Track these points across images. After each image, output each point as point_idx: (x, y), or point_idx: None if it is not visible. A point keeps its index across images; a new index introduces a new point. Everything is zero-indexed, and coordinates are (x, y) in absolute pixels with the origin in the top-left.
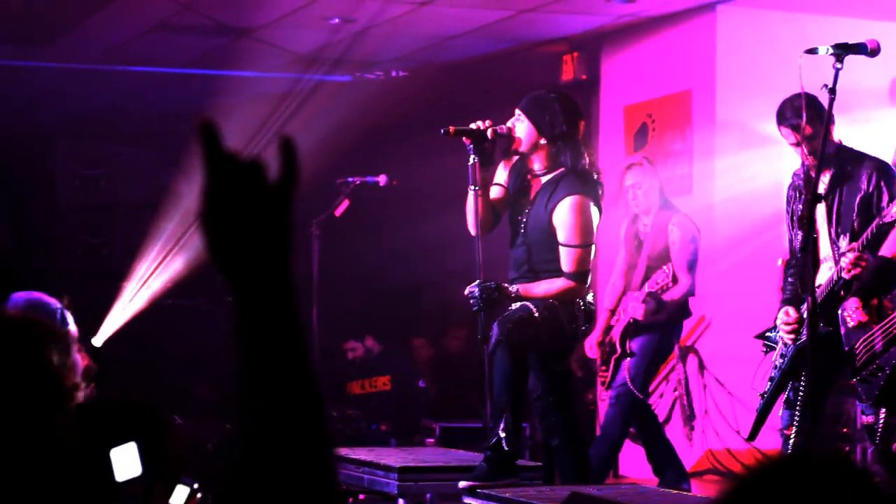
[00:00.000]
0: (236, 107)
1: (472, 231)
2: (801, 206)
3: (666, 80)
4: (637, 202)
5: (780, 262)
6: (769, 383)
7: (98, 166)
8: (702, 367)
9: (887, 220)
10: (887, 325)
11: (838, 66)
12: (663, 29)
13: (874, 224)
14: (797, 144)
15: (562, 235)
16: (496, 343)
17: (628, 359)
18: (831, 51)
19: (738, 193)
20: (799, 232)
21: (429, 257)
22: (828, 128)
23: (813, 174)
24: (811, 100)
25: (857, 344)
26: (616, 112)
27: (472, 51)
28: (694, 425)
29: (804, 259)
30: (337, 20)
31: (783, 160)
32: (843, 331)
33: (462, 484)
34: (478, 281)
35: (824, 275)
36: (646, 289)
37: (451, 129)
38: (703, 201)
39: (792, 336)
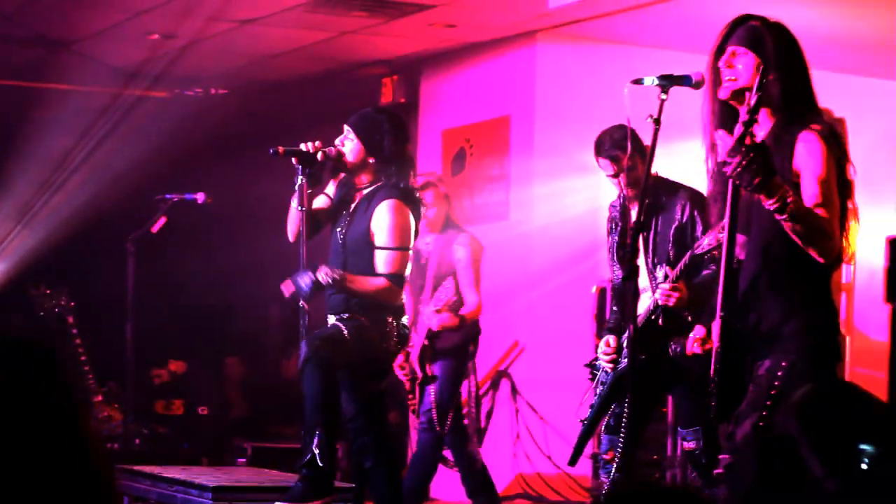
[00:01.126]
0: (53, 120)
1: (291, 239)
2: (617, 237)
3: (485, 106)
4: (426, 221)
5: (594, 289)
6: (590, 410)
7: None
8: (514, 391)
9: (699, 251)
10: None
11: (663, 97)
12: (483, 55)
13: (687, 255)
14: (615, 175)
15: (379, 238)
16: (305, 361)
17: (433, 385)
18: (657, 82)
19: (555, 220)
20: (616, 263)
21: (245, 276)
22: (650, 159)
23: (630, 205)
24: (631, 131)
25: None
26: (434, 136)
27: (293, 71)
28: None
29: (625, 287)
30: (157, 36)
31: (600, 189)
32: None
33: None
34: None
35: (644, 305)
36: (431, 306)
37: (280, 149)
38: (520, 227)
39: (611, 364)
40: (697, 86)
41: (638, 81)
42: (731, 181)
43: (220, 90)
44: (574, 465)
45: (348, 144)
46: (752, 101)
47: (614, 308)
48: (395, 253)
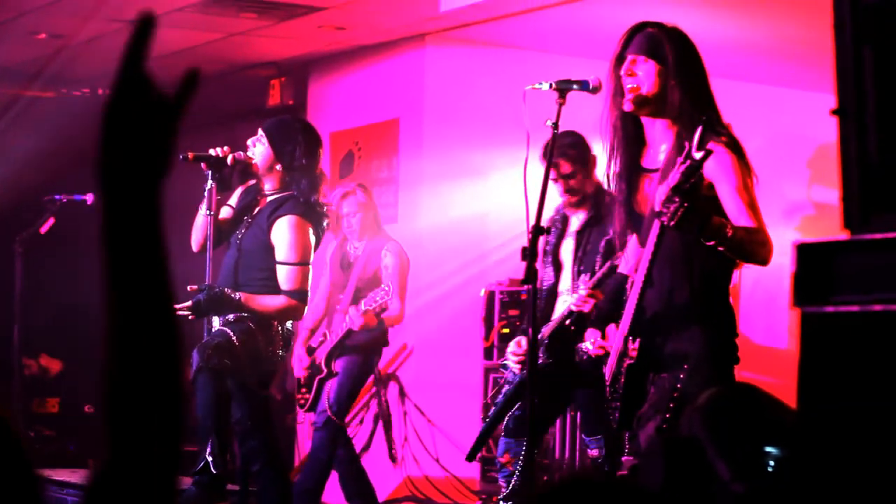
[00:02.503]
0: None
1: (195, 248)
2: (552, 241)
3: (374, 109)
4: (352, 230)
5: (483, 292)
6: (493, 408)
7: None
8: (402, 394)
9: (618, 262)
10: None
11: (560, 101)
12: (373, 57)
13: (607, 265)
14: (555, 181)
15: (280, 253)
16: (196, 370)
17: (331, 381)
18: (554, 86)
19: (444, 223)
20: (549, 266)
21: None
22: (587, 167)
23: (568, 212)
24: (575, 138)
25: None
26: (322, 139)
27: (181, 72)
28: (395, 454)
29: (531, 292)
30: (44, 35)
31: (489, 191)
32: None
33: None
34: (203, 285)
35: (560, 309)
36: (363, 306)
37: (190, 154)
38: (409, 230)
39: (520, 366)
40: (595, 90)
41: (535, 86)
42: (658, 222)
43: (107, 91)
44: (472, 460)
45: (259, 147)
46: (695, 153)
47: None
48: (297, 269)
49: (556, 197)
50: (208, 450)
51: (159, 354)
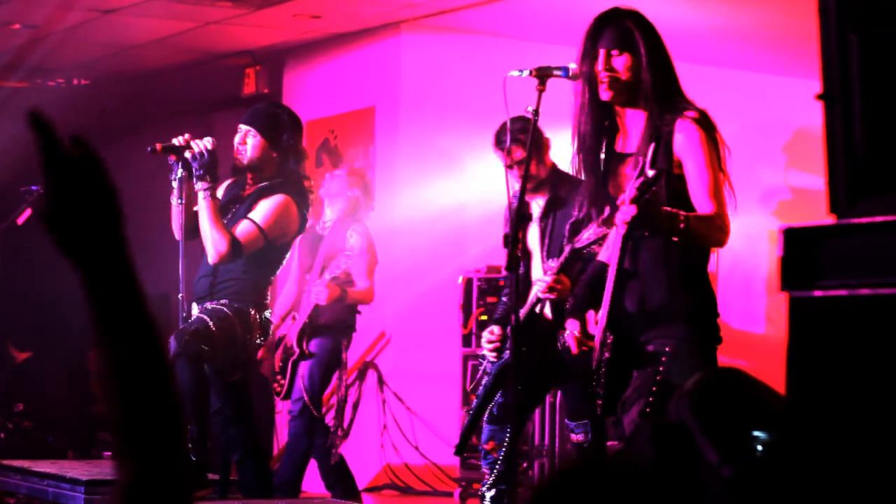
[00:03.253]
0: None
1: (178, 236)
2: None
3: (350, 97)
4: (335, 207)
5: (460, 279)
6: (476, 400)
7: None
8: (381, 382)
9: (578, 245)
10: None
11: (541, 88)
12: (348, 46)
13: (568, 249)
14: (510, 167)
15: (254, 213)
16: (174, 356)
17: (305, 367)
18: (534, 73)
19: (421, 211)
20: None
21: None
22: (540, 151)
23: (528, 199)
24: (525, 123)
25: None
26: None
27: (156, 61)
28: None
29: (510, 279)
30: (18, 26)
31: (465, 178)
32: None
33: None
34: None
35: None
36: (326, 276)
37: (158, 146)
38: (386, 218)
39: (494, 354)
40: (574, 77)
41: (515, 73)
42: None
43: (82, 81)
44: (460, 454)
45: (250, 141)
46: (648, 170)
47: (503, 298)
48: (255, 229)
49: (476, 185)
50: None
51: (153, 387)
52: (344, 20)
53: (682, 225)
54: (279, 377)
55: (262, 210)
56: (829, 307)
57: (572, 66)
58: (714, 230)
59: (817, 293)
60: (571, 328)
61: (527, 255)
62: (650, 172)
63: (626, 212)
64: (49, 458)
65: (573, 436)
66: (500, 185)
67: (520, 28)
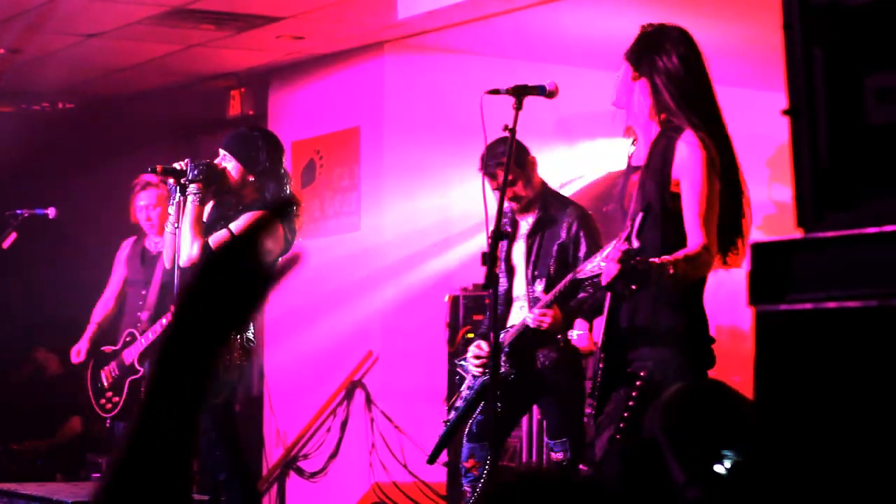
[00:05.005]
0: None
1: (168, 265)
2: (504, 246)
3: (334, 117)
4: (150, 224)
5: (447, 298)
6: (454, 412)
7: None
8: (369, 401)
9: (580, 276)
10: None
11: (517, 107)
12: (332, 66)
13: (568, 279)
14: (497, 189)
15: (232, 225)
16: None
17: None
18: (510, 92)
19: (406, 230)
20: (502, 272)
21: (98, 291)
22: (526, 171)
23: (518, 217)
24: (514, 145)
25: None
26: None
27: (140, 84)
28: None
29: (492, 296)
30: (2, 51)
31: (450, 197)
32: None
33: None
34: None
35: (516, 314)
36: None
37: (159, 167)
38: (371, 238)
39: (480, 370)
40: (551, 95)
41: (494, 92)
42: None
43: (67, 104)
44: (433, 463)
45: (228, 165)
46: (634, 241)
47: (488, 313)
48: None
49: (461, 203)
50: None
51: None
52: (327, 41)
53: (671, 273)
54: (110, 394)
55: (242, 223)
56: (796, 321)
57: (548, 83)
58: (701, 266)
59: (783, 307)
60: (578, 328)
61: (510, 270)
62: (635, 243)
63: (609, 272)
64: (37, 481)
65: (552, 454)
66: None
67: (502, 47)
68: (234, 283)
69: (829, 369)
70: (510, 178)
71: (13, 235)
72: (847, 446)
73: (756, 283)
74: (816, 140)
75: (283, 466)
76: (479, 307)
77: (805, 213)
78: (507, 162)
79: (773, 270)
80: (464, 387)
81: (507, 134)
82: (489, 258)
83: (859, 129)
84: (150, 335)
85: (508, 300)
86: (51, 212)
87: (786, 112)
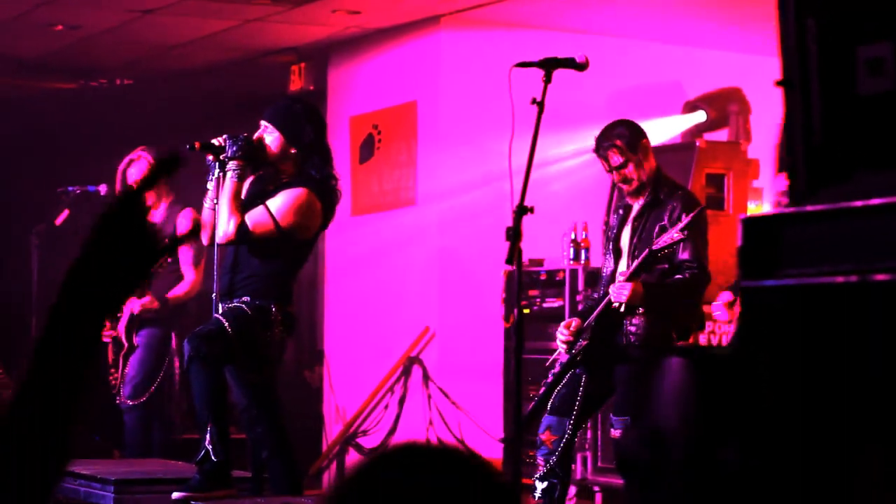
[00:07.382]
0: None
1: (205, 242)
2: (614, 228)
3: (392, 92)
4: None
5: (503, 273)
6: (544, 387)
7: None
8: (426, 377)
9: (655, 247)
10: None
11: (546, 79)
12: (389, 40)
13: (645, 252)
14: (608, 172)
15: (270, 202)
16: (189, 360)
17: (133, 357)
18: (540, 64)
19: (462, 205)
20: (609, 254)
21: None
22: (638, 154)
23: (629, 200)
24: (630, 128)
25: None
26: (342, 123)
27: (198, 60)
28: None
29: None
30: (62, 27)
31: (506, 173)
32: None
33: (175, 495)
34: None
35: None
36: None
37: (197, 144)
38: (429, 212)
39: (566, 345)
40: (582, 68)
41: (523, 64)
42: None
43: (125, 80)
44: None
45: (268, 138)
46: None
47: (589, 292)
48: (267, 217)
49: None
50: (207, 438)
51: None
52: (383, 15)
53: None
54: (112, 370)
55: (280, 200)
56: (784, 295)
57: (579, 56)
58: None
59: (771, 282)
60: (722, 299)
61: (618, 252)
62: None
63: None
64: (94, 458)
65: (612, 430)
66: (542, 178)
67: (560, 19)
68: (122, 243)
69: (817, 343)
70: (620, 161)
71: (66, 212)
72: (831, 420)
73: (747, 258)
74: (809, 112)
75: (342, 443)
76: (533, 282)
77: (797, 186)
78: (534, 135)
79: (764, 245)
80: (551, 362)
81: (541, 106)
82: (513, 233)
83: (851, 101)
84: (126, 309)
85: (613, 280)
86: (102, 188)
87: (779, 83)
